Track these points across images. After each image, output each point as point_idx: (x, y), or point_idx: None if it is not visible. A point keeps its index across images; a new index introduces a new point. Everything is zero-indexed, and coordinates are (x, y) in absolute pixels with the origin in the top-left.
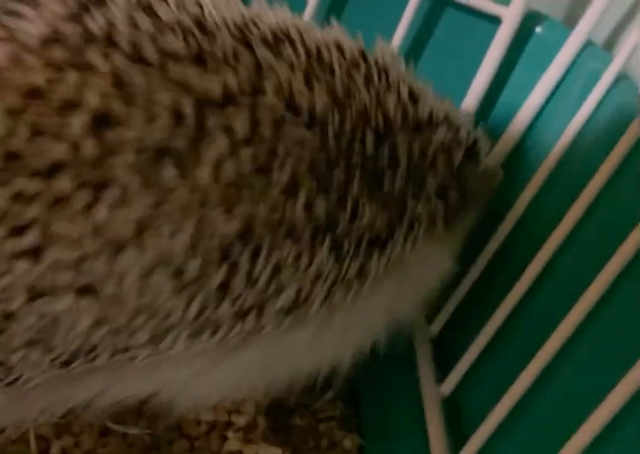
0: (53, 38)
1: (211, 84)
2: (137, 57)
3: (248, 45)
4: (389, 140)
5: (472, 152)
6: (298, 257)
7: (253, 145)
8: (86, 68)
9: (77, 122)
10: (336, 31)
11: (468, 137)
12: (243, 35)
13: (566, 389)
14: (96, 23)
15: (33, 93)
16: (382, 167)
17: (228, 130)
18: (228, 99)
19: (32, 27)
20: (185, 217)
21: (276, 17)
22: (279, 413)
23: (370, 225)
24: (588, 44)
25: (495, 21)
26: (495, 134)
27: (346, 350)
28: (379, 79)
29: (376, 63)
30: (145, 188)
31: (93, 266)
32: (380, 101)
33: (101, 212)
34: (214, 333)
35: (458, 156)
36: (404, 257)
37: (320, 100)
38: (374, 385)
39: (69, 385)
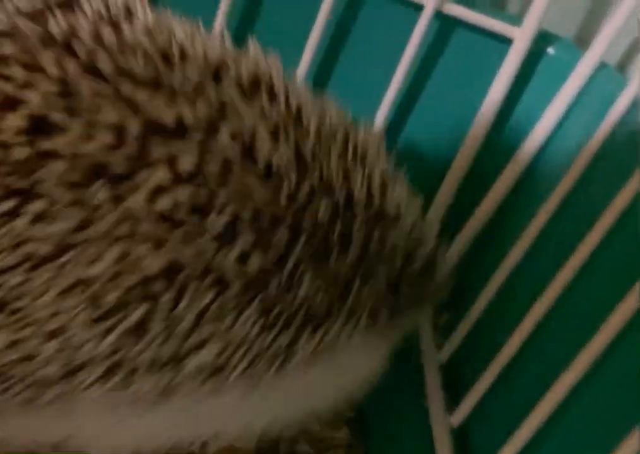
0: (8, 33)
1: (163, 112)
2: (91, 69)
3: (217, 82)
4: (346, 218)
5: (430, 265)
6: (222, 310)
7: (194, 183)
8: (35, 69)
9: (13, 123)
10: (327, 99)
11: (429, 253)
12: (215, 72)
13: (583, 426)
14: (58, 26)
15: None
16: (332, 242)
17: (172, 161)
18: (178, 130)
19: None
20: (109, 244)
21: (265, 65)
22: (281, 441)
23: (306, 298)
24: (602, 65)
25: (506, 41)
26: (505, 157)
27: (272, 422)
28: (354, 157)
29: (356, 141)
30: (73, 205)
31: (9, 279)
32: (348, 178)
33: (23, 222)
34: (128, 380)
35: (415, 265)
36: (338, 343)
37: (283, 156)
38: (382, 413)
39: None
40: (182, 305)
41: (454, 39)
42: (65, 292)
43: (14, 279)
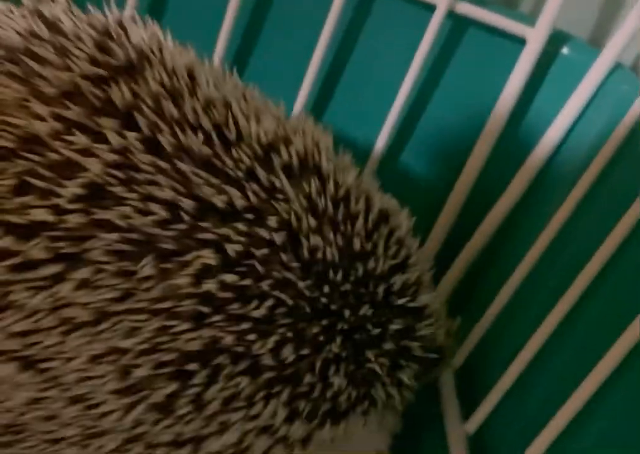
0: (71, 93)
1: (217, 193)
2: (151, 143)
3: (268, 163)
4: (383, 319)
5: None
6: (251, 398)
7: (241, 267)
8: (97, 136)
9: (71, 189)
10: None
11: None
12: (266, 152)
13: (606, 431)
14: (121, 93)
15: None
16: (366, 341)
17: (221, 244)
18: (230, 213)
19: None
20: (150, 318)
21: (314, 144)
22: None
23: (338, 392)
24: (616, 66)
25: (520, 41)
26: (519, 158)
27: None
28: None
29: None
30: (118, 276)
31: (44, 339)
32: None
33: (66, 288)
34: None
35: (430, 367)
36: (349, 434)
37: (329, 255)
38: None
39: None
40: (212, 389)
41: (466, 39)
42: (98, 358)
43: (49, 339)
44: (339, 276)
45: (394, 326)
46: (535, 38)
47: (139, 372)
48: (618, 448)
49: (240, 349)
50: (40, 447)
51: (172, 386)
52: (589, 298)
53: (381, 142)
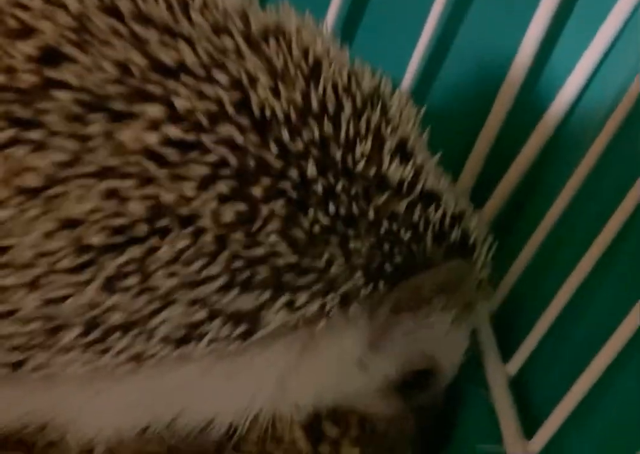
0: None
1: (167, 53)
2: (111, 9)
3: (227, 33)
4: (334, 182)
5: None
6: (191, 263)
7: (186, 123)
8: (54, 2)
9: (24, 49)
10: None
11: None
12: (225, 24)
13: None
14: None
15: None
16: (308, 203)
17: (168, 100)
18: (179, 70)
19: None
20: (97, 182)
21: (281, 17)
22: None
23: (272, 255)
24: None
25: None
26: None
27: (232, 404)
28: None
29: (381, 101)
30: (70, 138)
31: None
32: (355, 141)
33: (19, 152)
34: (103, 344)
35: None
36: (311, 329)
37: (281, 113)
38: None
39: None
40: (159, 253)
41: None
42: (52, 233)
43: (4, 212)
44: (290, 135)
45: (350, 190)
46: None
47: (93, 242)
48: None
49: (184, 211)
50: (9, 357)
51: (123, 257)
52: (628, 234)
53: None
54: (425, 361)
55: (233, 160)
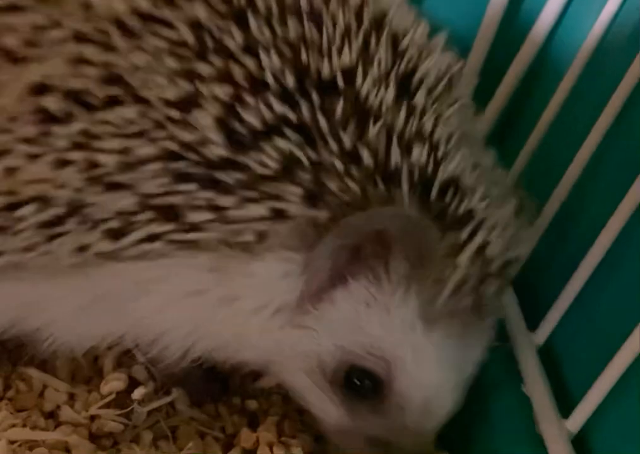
0: None
1: None
2: None
3: None
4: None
5: None
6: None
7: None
8: None
9: None
10: None
11: None
12: None
13: None
14: None
15: None
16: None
17: None
18: None
19: None
20: (62, 46)
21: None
22: None
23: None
24: None
25: None
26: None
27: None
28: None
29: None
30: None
31: None
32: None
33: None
34: (52, 225)
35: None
36: (244, 253)
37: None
38: None
39: None
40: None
41: None
42: (20, 97)
43: None
44: (260, 29)
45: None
46: None
47: (50, 106)
48: None
49: (134, 81)
50: None
51: (74, 126)
52: None
53: None
54: (373, 360)
55: (191, 39)
